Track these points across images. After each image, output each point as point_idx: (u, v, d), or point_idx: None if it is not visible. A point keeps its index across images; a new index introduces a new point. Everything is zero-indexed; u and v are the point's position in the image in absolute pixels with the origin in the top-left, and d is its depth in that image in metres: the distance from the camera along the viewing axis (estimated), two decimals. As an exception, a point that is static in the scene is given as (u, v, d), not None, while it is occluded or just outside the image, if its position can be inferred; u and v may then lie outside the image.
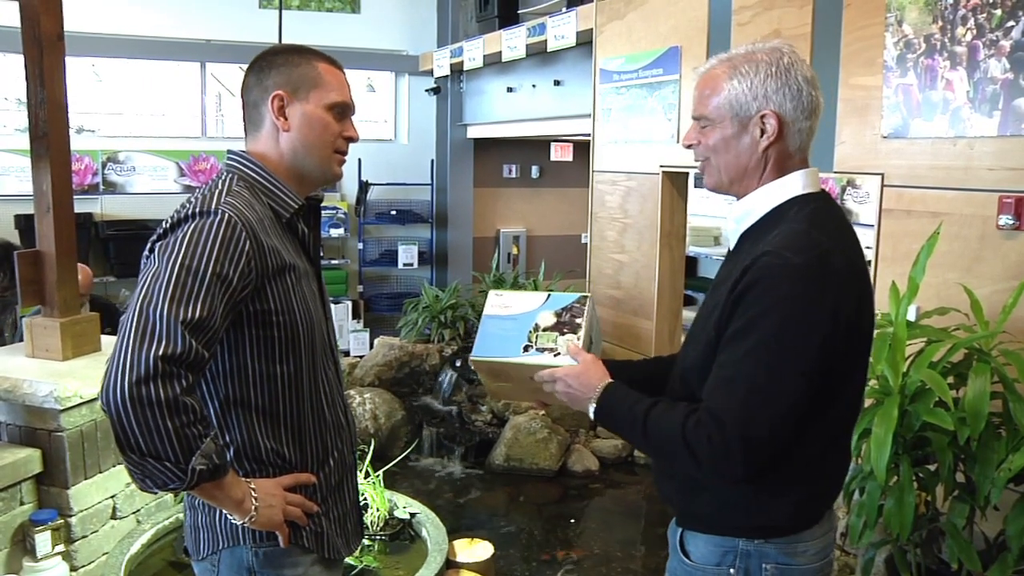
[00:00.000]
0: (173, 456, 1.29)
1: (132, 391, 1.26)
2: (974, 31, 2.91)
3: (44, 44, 2.81)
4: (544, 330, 1.58)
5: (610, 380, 1.51)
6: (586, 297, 1.63)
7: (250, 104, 1.58)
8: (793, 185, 1.46)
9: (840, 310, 1.35)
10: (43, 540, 2.68)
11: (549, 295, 1.65)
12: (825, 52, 3.55)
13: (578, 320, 1.59)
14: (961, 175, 2.98)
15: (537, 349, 1.56)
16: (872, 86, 3.32)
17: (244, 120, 1.61)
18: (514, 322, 1.61)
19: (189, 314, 1.31)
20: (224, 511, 1.49)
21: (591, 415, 1.51)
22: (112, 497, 2.92)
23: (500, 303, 1.66)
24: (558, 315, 1.60)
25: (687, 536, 1.56)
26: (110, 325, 3.46)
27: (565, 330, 1.57)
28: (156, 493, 1.46)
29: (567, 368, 1.53)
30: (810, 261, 1.33)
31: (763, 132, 1.44)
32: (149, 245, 1.44)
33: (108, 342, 3.12)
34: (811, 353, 1.33)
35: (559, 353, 1.55)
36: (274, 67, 1.56)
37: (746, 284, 1.35)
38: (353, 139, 1.62)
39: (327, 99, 1.56)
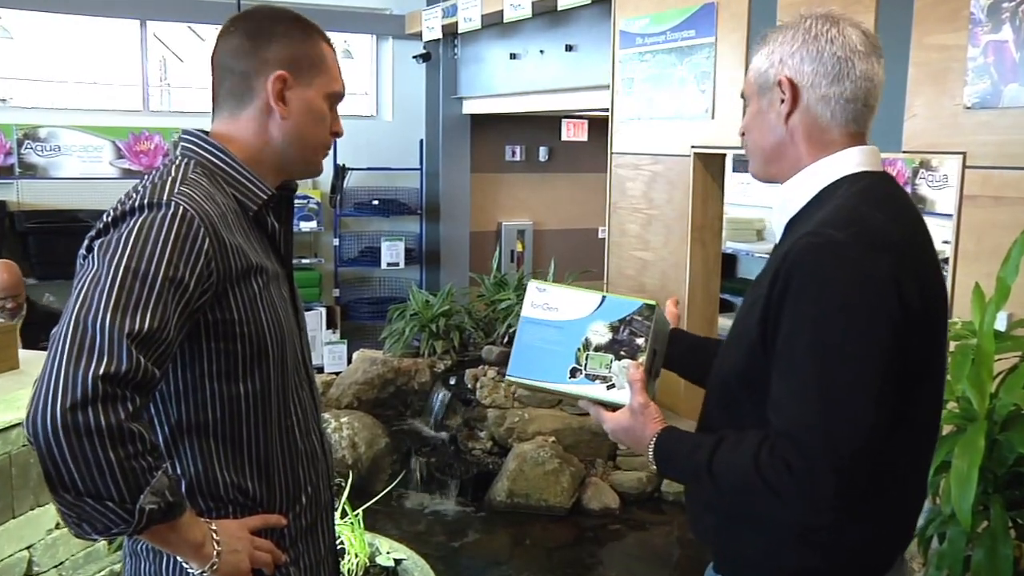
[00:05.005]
0: (117, 494, 1.27)
1: (66, 418, 1.23)
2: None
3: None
4: (596, 349, 1.54)
5: (661, 429, 1.51)
6: (651, 307, 1.57)
7: (236, 73, 1.55)
8: (844, 163, 1.47)
9: (902, 288, 1.33)
10: (-65, 605, 2.61)
11: (604, 297, 1.60)
12: (894, 5, 3.53)
13: (639, 340, 1.54)
14: (1065, 153, 2.94)
15: (587, 376, 1.54)
16: (953, 45, 3.29)
17: (216, 88, 1.58)
18: (559, 332, 1.58)
19: (136, 325, 1.29)
20: (177, 557, 1.46)
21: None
22: (28, 548, 2.85)
23: (542, 301, 1.63)
24: (614, 329, 1.56)
25: None
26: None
27: (622, 352, 1.53)
28: (96, 540, 1.45)
29: (614, 422, 1.54)
30: (855, 235, 1.34)
31: (782, 100, 1.49)
32: (86, 243, 1.42)
33: (37, 358, 3.06)
34: (880, 341, 1.32)
35: (613, 385, 1.52)
36: (275, 37, 1.54)
37: (787, 272, 1.36)
38: (339, 134, 1.65)
39: (330, 87, 1.59)
